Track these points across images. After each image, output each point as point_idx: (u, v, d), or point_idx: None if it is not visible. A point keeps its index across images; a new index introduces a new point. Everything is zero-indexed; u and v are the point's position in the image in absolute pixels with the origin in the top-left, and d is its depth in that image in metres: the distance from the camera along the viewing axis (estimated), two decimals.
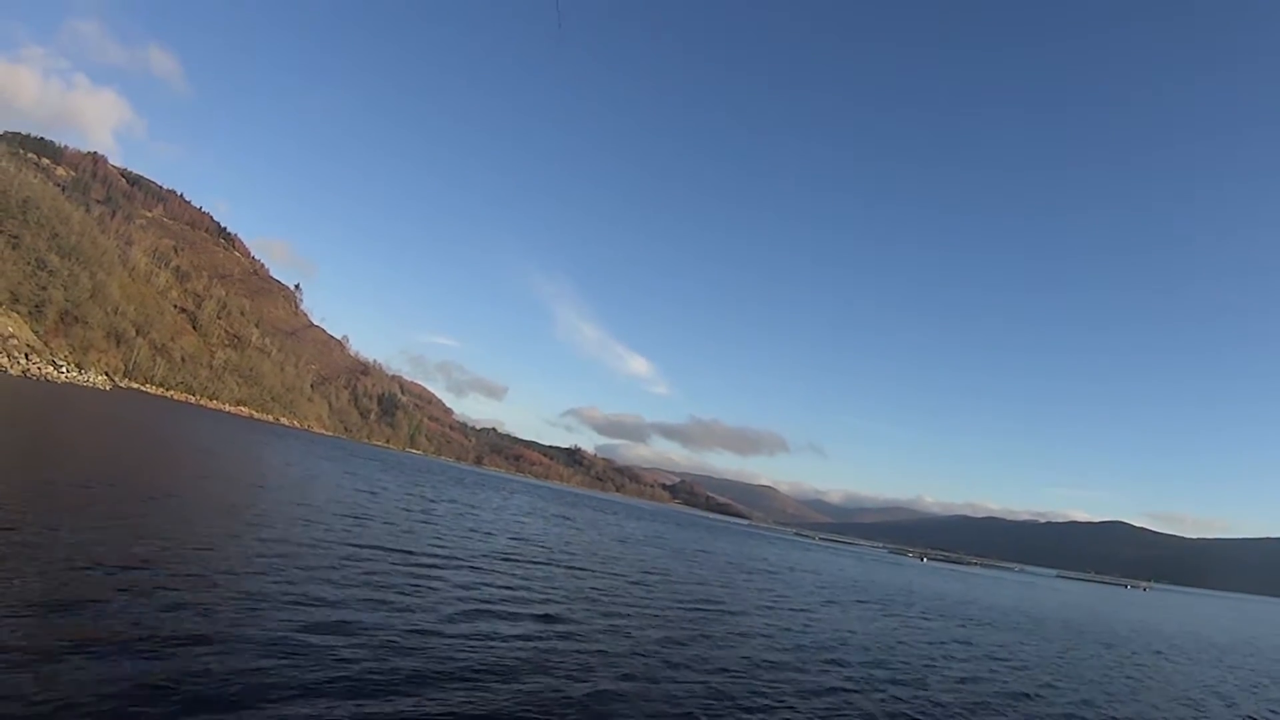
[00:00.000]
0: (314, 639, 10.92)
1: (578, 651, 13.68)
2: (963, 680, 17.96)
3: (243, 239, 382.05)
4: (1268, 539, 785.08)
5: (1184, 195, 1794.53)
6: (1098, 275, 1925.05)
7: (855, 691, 14.77)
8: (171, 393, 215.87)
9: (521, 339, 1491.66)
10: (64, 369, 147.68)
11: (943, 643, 24.41)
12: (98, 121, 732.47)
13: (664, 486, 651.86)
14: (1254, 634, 56.79)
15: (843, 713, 12.96)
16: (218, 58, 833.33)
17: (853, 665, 17.54)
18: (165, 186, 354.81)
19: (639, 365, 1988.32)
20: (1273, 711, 20.70)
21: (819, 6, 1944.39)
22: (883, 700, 14.28)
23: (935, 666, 19.27)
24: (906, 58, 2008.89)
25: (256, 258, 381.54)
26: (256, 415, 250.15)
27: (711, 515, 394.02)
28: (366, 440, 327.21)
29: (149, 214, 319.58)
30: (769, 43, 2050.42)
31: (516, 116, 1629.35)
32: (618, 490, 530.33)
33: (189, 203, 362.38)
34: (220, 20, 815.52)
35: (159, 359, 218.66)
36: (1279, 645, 47.73)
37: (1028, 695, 17.49)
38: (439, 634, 12.84)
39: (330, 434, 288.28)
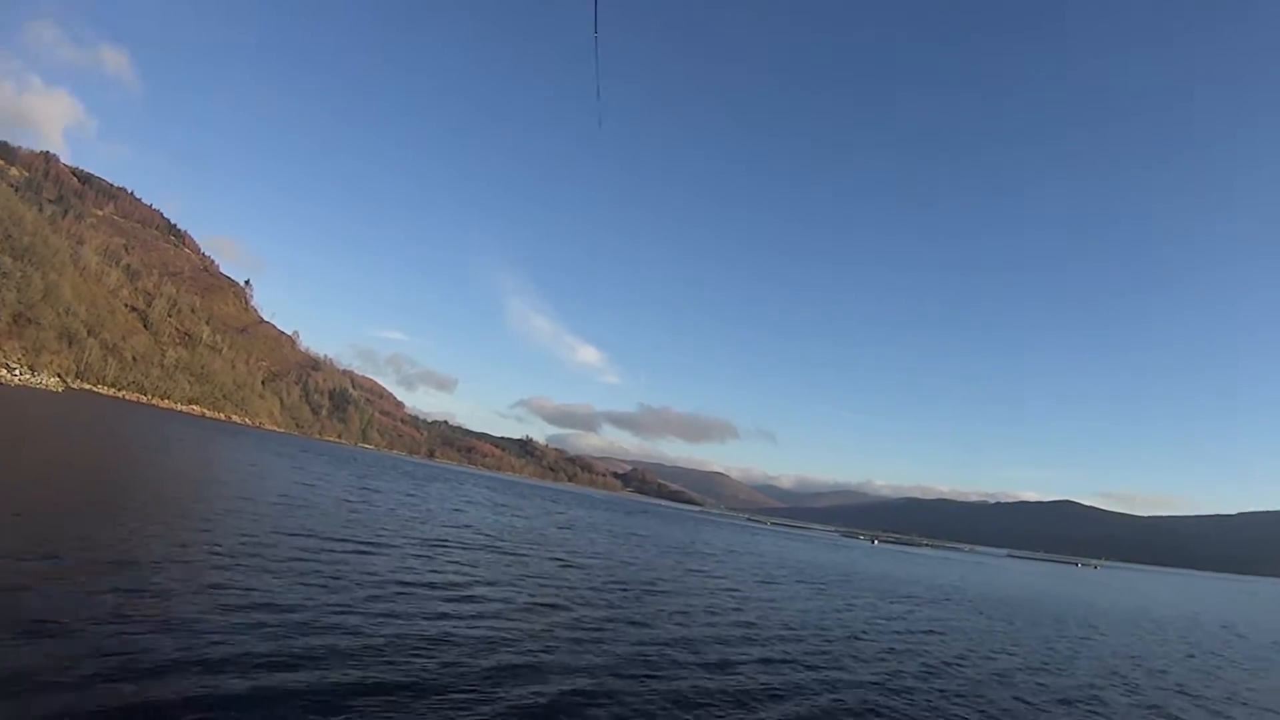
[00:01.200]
0: (240, 621, 11.47)
1: (493, 627, 14.37)
2: (884, 652, 18.76)
3: (193, 236, 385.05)
4: (1218, 516, 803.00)
5: (1132, 169, 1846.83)
6: (1041, 257, 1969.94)
7: (778, 662, 15.60)
8: (124, 393, 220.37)
9: (471, 331, 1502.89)
10: (17, 372, 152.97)
11: (875, 619, 25.35)
12: (49, 121, 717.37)
13: (616, 475, 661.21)
14: (1197, 609, 57.38)
15: (758, 683, 13.41)
16: (168, 57, 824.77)
17: (777, 640, 18.22)
18: (116, 184, 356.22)
19: (589, 355, 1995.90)
20: (1189, 679, 20.89)
21: None
22: (800, 673, 14.89)
23: (859, 639, 20.44)
24: (848, 43, 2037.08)
25: (206, 254, 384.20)
26: (209, 413, 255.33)
27: (663, 503, 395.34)
28: (319, 436, 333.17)
29: (100, 212, 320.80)
30: (719, 36, 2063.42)
31: (464, 110, 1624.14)
32: (570, 480, 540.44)
33: (139, 200, 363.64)
34: (172, 19, 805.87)
35: (110, 359, 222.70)
36: (1220, 620, 47.91)
37: (949, 665, 18.02)
38: (362, 613, 13.51)
39: (282, 430, 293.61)
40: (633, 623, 17.34)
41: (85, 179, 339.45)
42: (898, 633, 22.67)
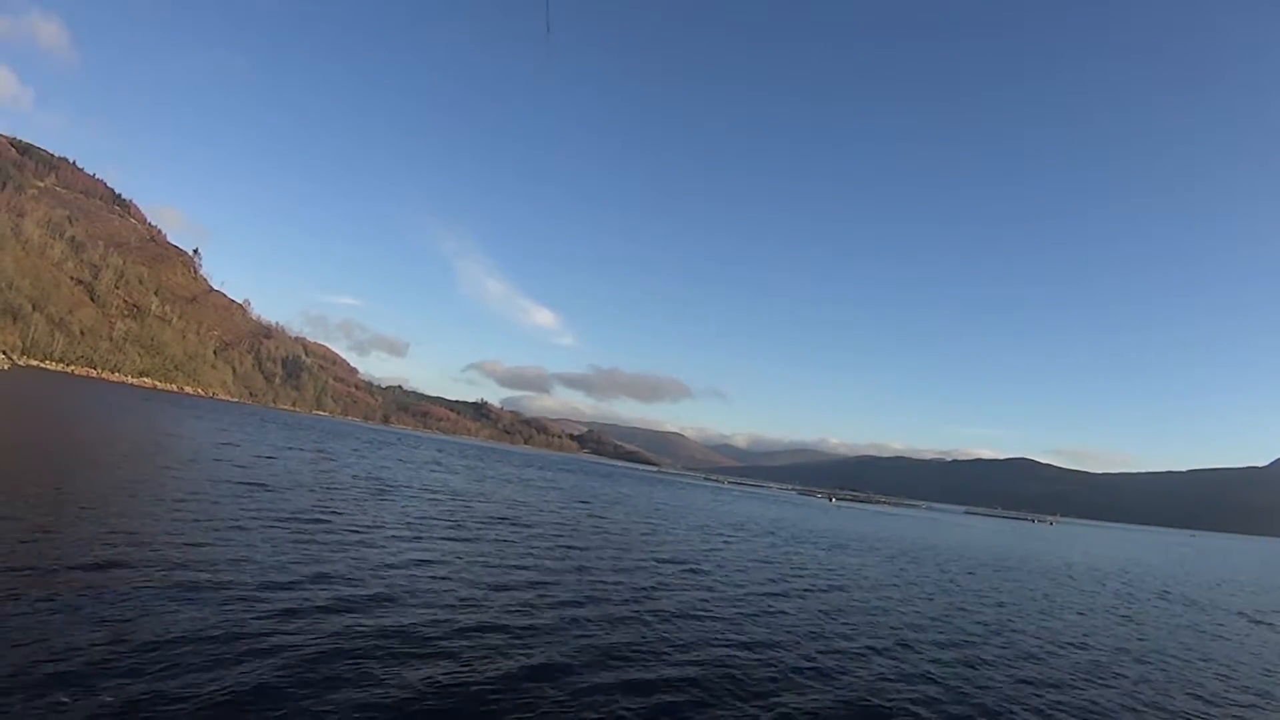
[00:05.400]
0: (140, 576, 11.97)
1: (357, 555, 15.70)
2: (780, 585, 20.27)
3: (138, 205, 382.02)
4: (1169, 473, 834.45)
5: (1087, 121, 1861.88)
6: (992, 210, 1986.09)
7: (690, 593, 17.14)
8: (73, 368, 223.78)
9: (423, 294, 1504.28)
10: None
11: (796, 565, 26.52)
12: None
13: (572, 437, 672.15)
14: (1117, 559, 60.10)
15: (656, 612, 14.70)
16: (102, 23, 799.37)
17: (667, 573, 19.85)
18: (56, 154, 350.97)
19: (544, 317, 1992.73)
20: (1101, 617, 22.16)
21: None
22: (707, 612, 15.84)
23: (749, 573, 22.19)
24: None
25: (153, 224, 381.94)
26: (160, 385, 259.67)
27: (619, 463, 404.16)
28: (272, 404, 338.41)
29: (40, 183, 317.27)
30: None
31: (412, 69, 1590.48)
32: (526, 442, 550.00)
33: (81, 170, 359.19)
34: None
35: (58, 334, 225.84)
36: (1154, 570, 50.86)
37: (797, 595, 19.60)
38: (223, 539, 15.15)
39: (236, 400, 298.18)
40: (496, 556, 18.82)
41: (24, 149, 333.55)
42: (766, 565, 24.97)
